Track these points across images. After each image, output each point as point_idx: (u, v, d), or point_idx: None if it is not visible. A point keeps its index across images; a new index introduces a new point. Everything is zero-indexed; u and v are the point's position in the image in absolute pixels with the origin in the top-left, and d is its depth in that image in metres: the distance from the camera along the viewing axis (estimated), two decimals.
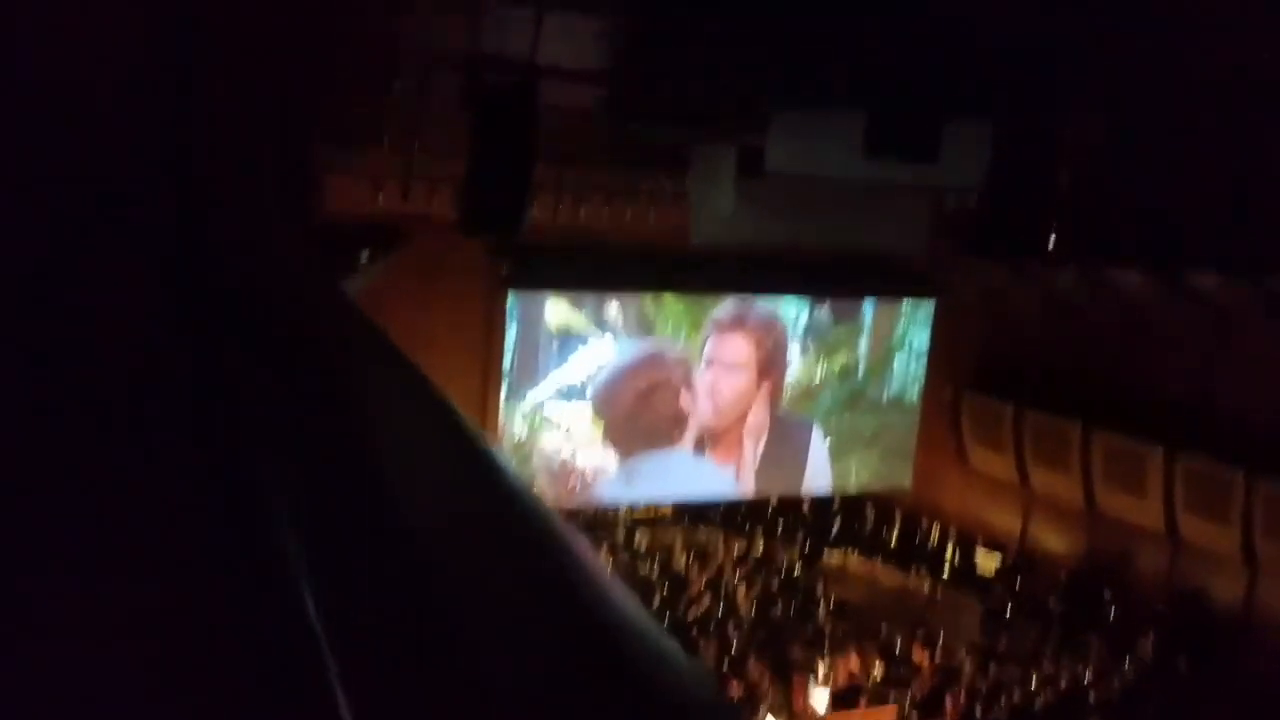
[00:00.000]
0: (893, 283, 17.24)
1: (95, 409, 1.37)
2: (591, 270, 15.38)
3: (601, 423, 15.72)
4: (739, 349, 16.51)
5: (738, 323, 16.44)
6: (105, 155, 2.10)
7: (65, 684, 0.97)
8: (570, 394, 15.53)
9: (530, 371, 15.33)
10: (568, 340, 15.47)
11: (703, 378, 16.31)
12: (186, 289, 1.73)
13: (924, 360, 17.61)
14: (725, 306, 16.38)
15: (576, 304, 15.52)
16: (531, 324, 15.29)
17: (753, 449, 16.81)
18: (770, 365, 16.71)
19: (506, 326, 15.15)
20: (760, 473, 16.91)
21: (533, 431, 15.39)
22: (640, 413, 15.98)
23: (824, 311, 16.93)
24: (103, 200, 1.89)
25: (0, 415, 1.30)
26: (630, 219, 14.95)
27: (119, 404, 1.39)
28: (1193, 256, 13.67)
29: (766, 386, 16.71)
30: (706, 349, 16.30)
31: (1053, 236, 15.24)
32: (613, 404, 15.77)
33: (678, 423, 16.27)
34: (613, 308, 15.69)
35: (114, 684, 0.97)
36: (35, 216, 1.73)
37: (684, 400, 16.25)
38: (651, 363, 16.12)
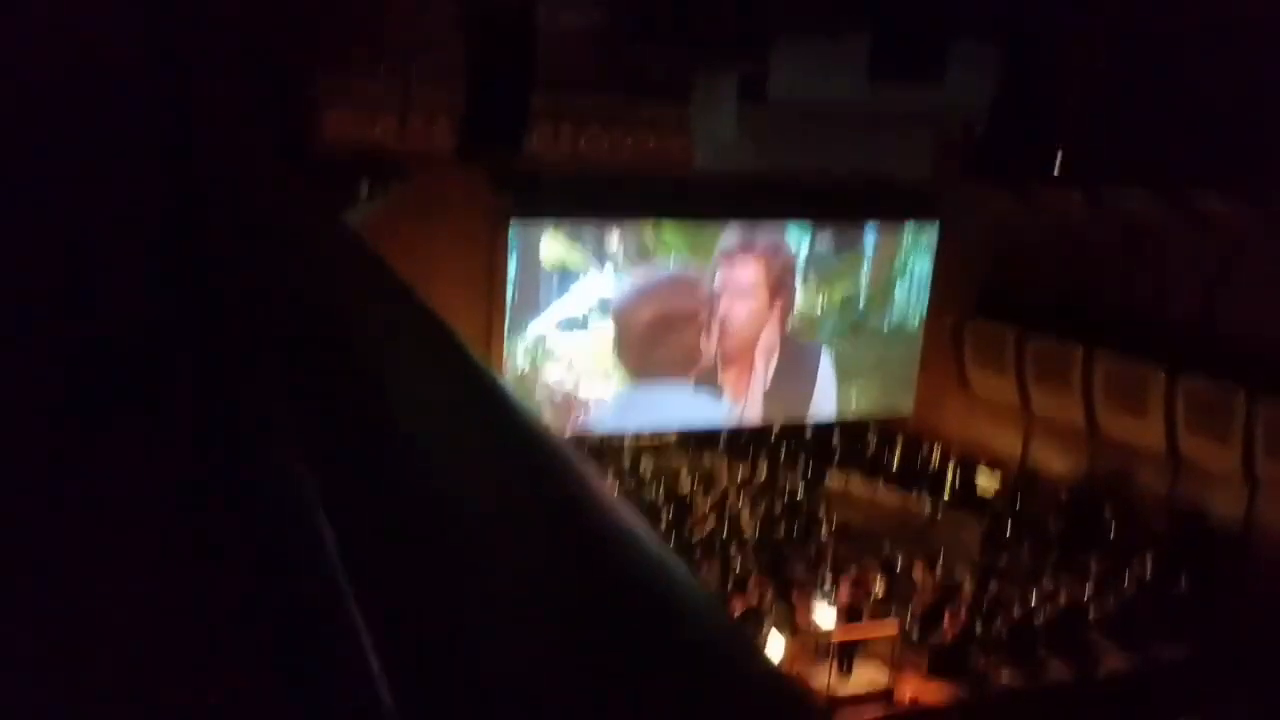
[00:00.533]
0: (896, 208, 17.16)
1: (99, 359, 1.41)
2: (593, 199, 15.29)
3: (616, 343, 15.85)
4: (749, 273, 16.56)
5: (746, 248, 16.46)
6: (95, 98, 2.11)
7: (81, 673, 0.98)
8: (572, 325, 15.58)
9: (531, 304, 15.35)
10: (567, 273, 15.47)
11: (716, 306, 16.48)
12: (182, 226, 1.76)
13: (925, 289, 17.64)
14: (731, 234, 16.38)
15: (575, 236, 15.48)
16: (531, 257, 15.28)
17: (764, 369, 16.95)
18: (780, 286, 16.79)
19: (508, 259, 15.14)
20: (769, 397, 17.06)
21: (535, 364, 15.47)
22: (660, 337, 16.10)
23: (825, 241, 16.92)
24: (95, 145, 1.91)
25: (6, 373, 1.33)
26: (631, 146, 14.83)
27: (121, 352, 1.43)
28: (1196, 178, 13.57)
29: (778, 307, 16.83)
30: (718, 279, 16.38)
31: (1057, 159, 15.13)
32: (633, 323, 15.91)
33: (690, 359, 16.42)
34: (613, 239, 15.65)
35: (137, 662, 0.98)
36: (32, 175, 1.75)
37: (703, 341, 16.44)
38: (681, 289, 16.21)
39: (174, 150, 2.07)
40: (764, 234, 16.57)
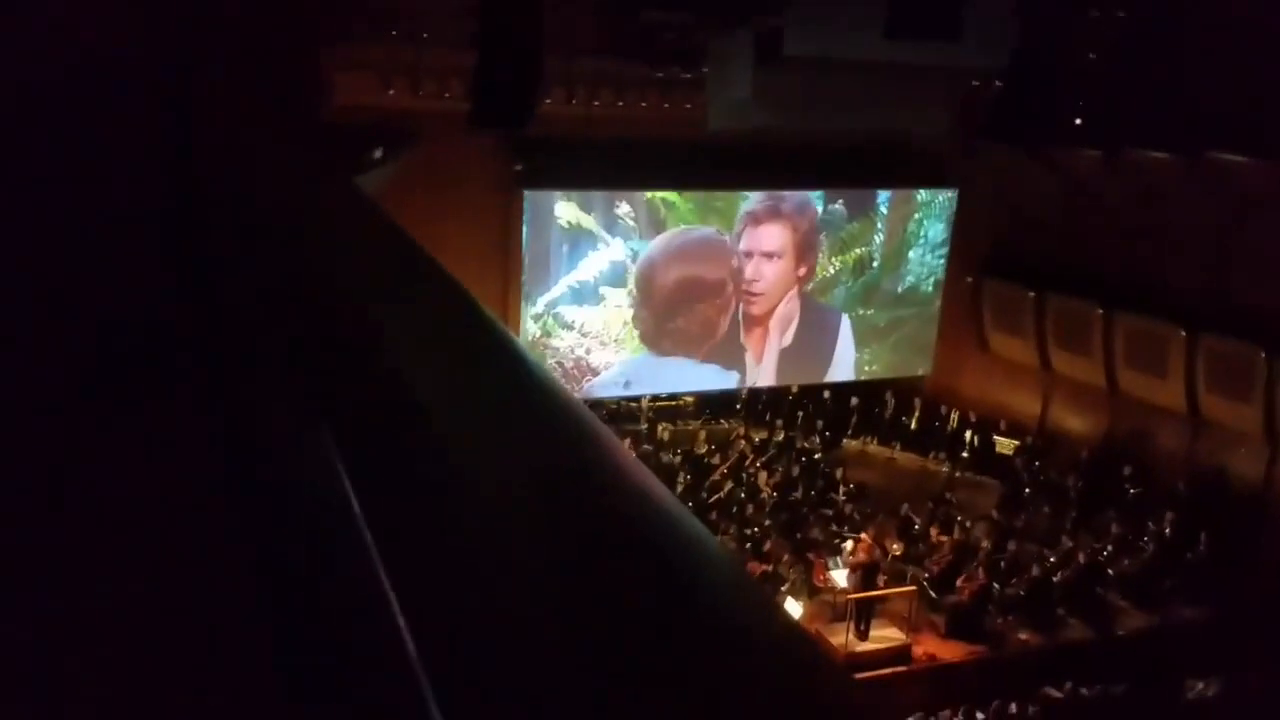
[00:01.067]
0: (913, 171, 17.04)
1: (108, 345, 1.40)
2: (605, 168, 15.23)
3: (637, 305, 15.82)
4: (776, 235, 16.52)
5: (772, 213, 16.40)
6: (97, 85, 2.09)
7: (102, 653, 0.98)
8: (583, 293, 15.57)
9: (542, 272, 15.34)
10: (579, 241, 15.43)
11: (741, 280, 16.42)
12: (190, 207, 1.75)
13: (939, 253, 17.56)
14: (756, 197, 16.32)
15: (586, 206, 15.43)
16: (543, 225, 15.24)
17: (777, 340, 16.91)
18: (808, 248, 16.75)
19: (534, 226, 15.13)
20: (787, 359, 17.07)
21: (546, 331, 15.49)
22: (682, 304, 16.07)
23: (839, 206, 16.84)
24: (98, 114, 1.89)
25: (21, 353, 1.33)
26: (645, 110, 14.72)
27: (129, 328, 1.42)
28: (1213, 137, 13.40)
29: (804, 270, 16.81)
30: (743, 241, 16.33)
31: (1076, 119, 14.94)
32: (659, 285, 15.88)
33: (707, 333, 16.37)
34: (626, 207, 15.60)
35: (160, 646, 0.98)
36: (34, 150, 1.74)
37: (722, 319, 16.40)
38: (713, 252, 16.13)
39: (178, 131, 2.06)
40: (791, 195, 16.51)
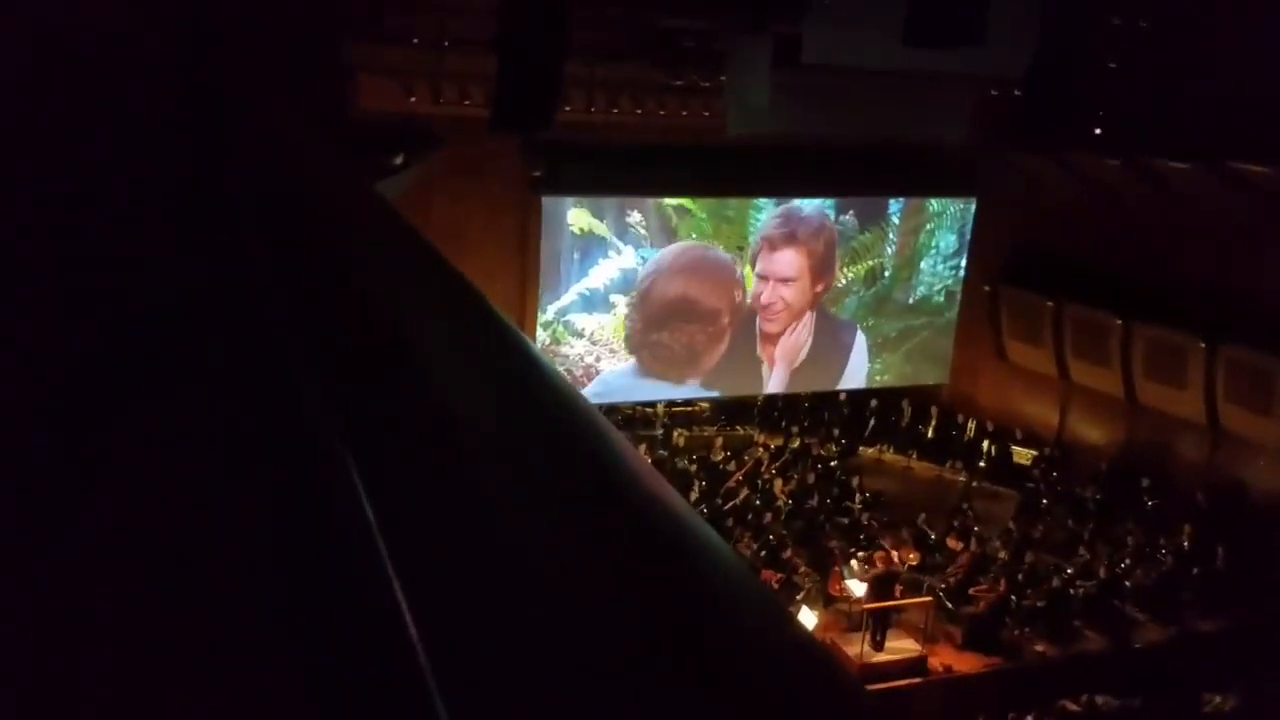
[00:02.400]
0: (930, 179, 16.99)
1: (132, 329, 1.41)
2: (623, 174, 15.23)
3: (629, 312, 15.74)
4: (791, 261, 16.46)
5: (788, 239, 16.34)
6: (126, 66, 2.12)
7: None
8: (594, 301, 15.57)
9: (554, 279, 15.35)
10: (590, 248, 15.43)
11: (737, 317, 16.36)
12: (211, 194, 1.77)
13: (951, 263, 17.51)
14: (774, 220, 16.24)
15: (598, 213, 15.42)
16: (556, 232, 15.25)
17: (784, 369, 16.83)
18: (825, 269, 16.68)
19: (546, 233, 15.13)
20: (799, 372, 17.01)
21: (555, 339, 15.48)
22: (674, 319, 15.97)
23: (850, 217, 16.78)
24: (125, 115, 1.91)
25: (39, 340, 1.34)
26: (663, 117, 14.73)
27: (154, 321, 1.43)
28: (1236, 147, 13.31)
29: (821, 287, 16.76)
30: (759, 266, 16.29)
31: (1096, 128, 14.87)
32: (656, 296, 15.80)
33: (691, 359, 16.23)
34: (639, 215, 15.58)
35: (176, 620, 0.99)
36: (57, 138, 1.76)
37: (710, 349, 16.24)
38: (715, 274, 16.02)
39: (205, 127, 2.08)
40: (807, 219, 16.41)
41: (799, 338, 16.77)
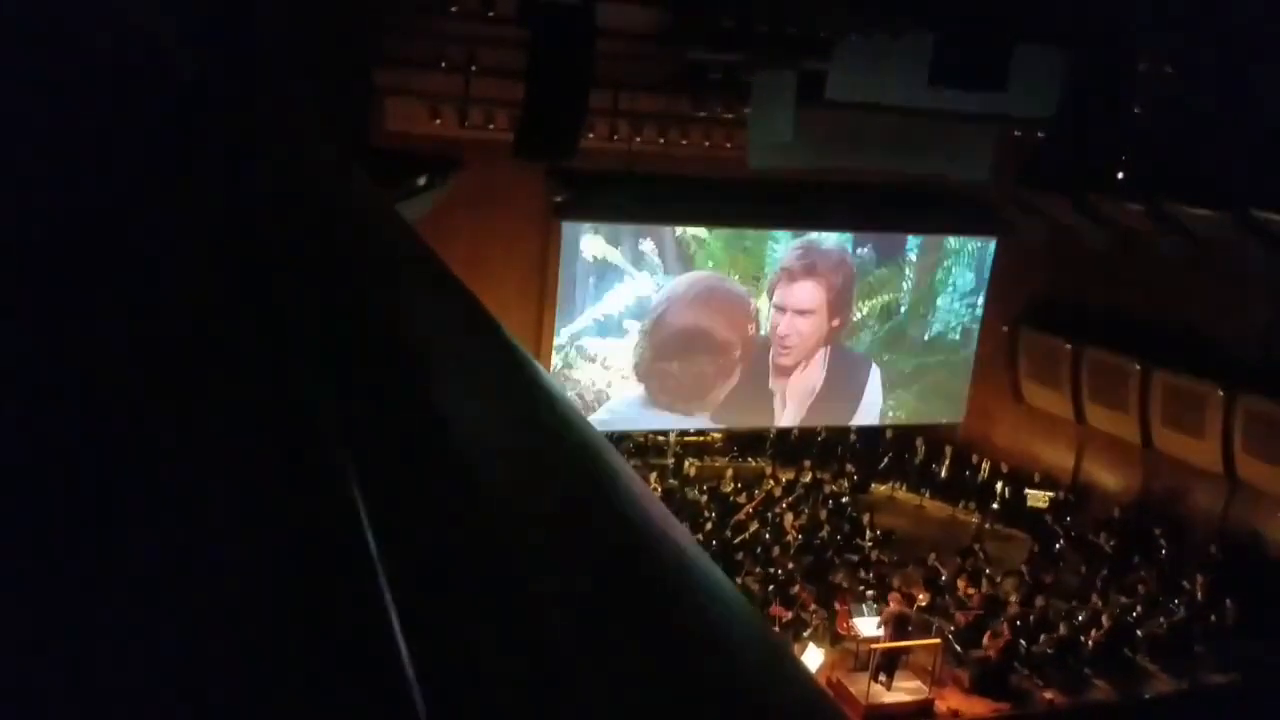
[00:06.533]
0: (951, 218, 16.97)
1: (154, 344, 1.42)
2: (644, 202, 15.26)
3: (641, 340, 15.72)
4: (809, 294, 16.42)
5: (808, 270, 16.33)
6: (154, 80, 2.14)
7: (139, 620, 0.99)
8: (607, 326, 15.58)
9: (568, 304, 15.38)
10: (605, 275, 15.46)
11: (750, 350, 16.33)
12: (235, 215, 1.78)
13: (967, 301, 17.44)
14: (793, 253, 16.27)
15: (614, 240, 15.45)
16: (571, 257, 15.28)
17: (795, 407, 16.78)
18: (842, 304, 16.63)
19: (562, 258, 15.16)
20: (813, 407, 16.93)
21: (567, 363, 15.48)
22: (686, 350, 15.93)
23: (868, 251, 16.75)
24: (152, 132, 1.93)
25: (62, 355, 1.35)
26: (686, 148, 14.80)
27: (177, 339, 1.44)
28: (1260, 195, 13.27)
29: (838, 322, 16.71)
30: (776, 296, 16.29)
31: (1120, 173, 14.85)
32: (668, 324, 15.78)
33: (699, 393, 16.16)
34: (655, 244, 15.60)
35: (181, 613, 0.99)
36: (87, 153, 1.77)
37: (720, 383, 16.17)
38: (728, 307, 16.01)
39: (233, 147, 2.09)
40: (827, 252, 16.42)
41: (811, 375, 16.71)
